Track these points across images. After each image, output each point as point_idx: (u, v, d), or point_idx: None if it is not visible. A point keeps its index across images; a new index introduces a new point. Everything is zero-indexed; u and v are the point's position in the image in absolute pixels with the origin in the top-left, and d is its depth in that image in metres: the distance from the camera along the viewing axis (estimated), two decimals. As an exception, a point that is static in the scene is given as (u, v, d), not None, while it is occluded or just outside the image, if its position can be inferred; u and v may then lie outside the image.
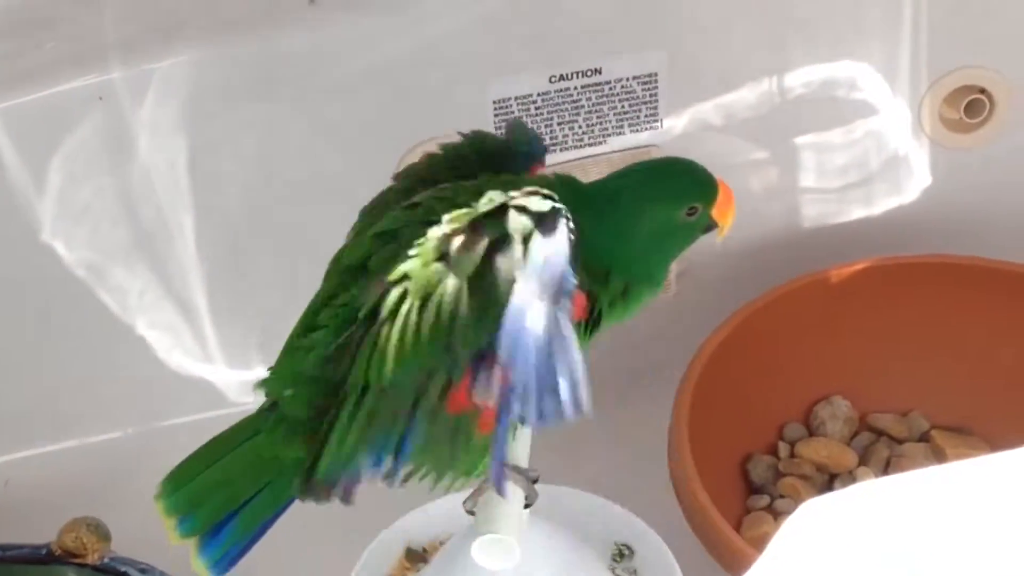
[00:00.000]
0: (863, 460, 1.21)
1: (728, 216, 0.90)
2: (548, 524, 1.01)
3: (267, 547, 1.17)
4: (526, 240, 0.80)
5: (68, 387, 1.26)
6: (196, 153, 1.19)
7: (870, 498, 0.68)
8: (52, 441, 1.26)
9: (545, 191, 0.83)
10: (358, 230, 0.94)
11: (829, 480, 1.20)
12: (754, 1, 1.23)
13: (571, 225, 0.82)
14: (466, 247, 0.81)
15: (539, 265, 0.79)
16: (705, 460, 1.09)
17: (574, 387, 0.77)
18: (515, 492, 0.92)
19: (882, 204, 1.32)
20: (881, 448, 1.21)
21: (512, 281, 0.79)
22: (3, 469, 1.25)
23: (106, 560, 1.13)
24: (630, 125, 1.23)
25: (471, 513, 0.94)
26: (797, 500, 1.15)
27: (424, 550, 1.08)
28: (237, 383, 1.28)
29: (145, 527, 1.20)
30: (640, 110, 1.23)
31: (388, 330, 0.82)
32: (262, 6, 1.19)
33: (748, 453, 1.21)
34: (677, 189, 0.90)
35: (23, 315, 1.23)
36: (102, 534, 1.14)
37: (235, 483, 0.92)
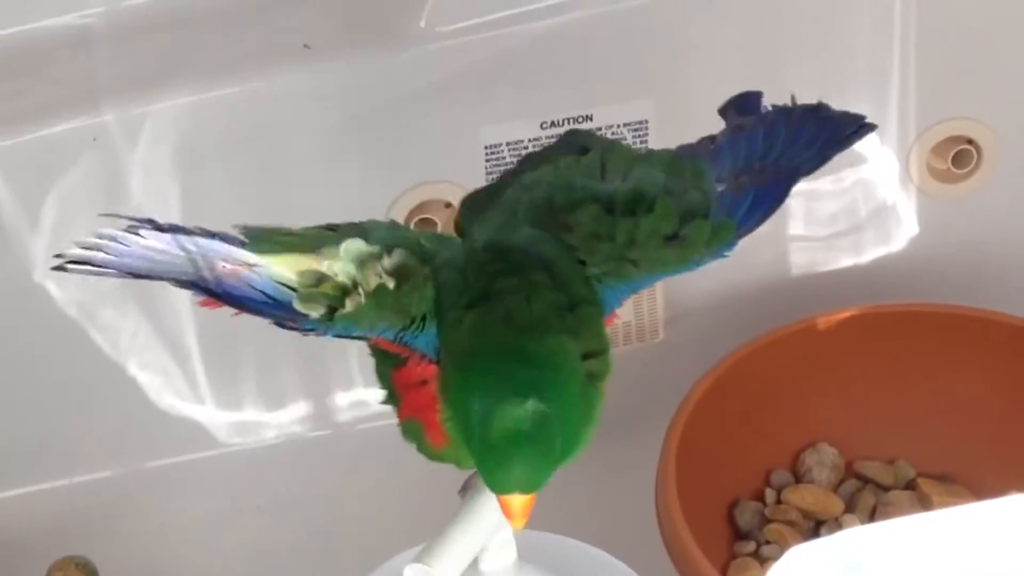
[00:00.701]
0: (849, 507, 1.21)
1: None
2: (535, 570, 1.01)
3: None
4: None
5: (58, 426, 1.26)
6: (189, 195, 1.19)
7: (856, 545, 0.69)
8: (41, 480, 1.26)
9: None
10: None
11: (815, 526, 1.20)
12: (741, 51, 1.24)
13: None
14: None
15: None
16: (692, 505, 1.09)
17: None
18: (481, 523, 0.92)
19: (870, 252, 1.33)
20: (867, 495, 1.21)
21: None
22: (-8, 508, 1.25)
23: (93, 600, 1.13)
24: (620, 171, 1.24)
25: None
26: (784, 546, 1.15)
27: None
28: (227, 424, 1.28)
29: (134, 566, 1.20)
30: (631, 157, 1.24)
31: None
32: (256, 50, 1.19)
33: (735, 499, 1.21)
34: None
35: (14, 353, 1.23)
36: (90, 573, 1.14)
37: None
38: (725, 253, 0.87)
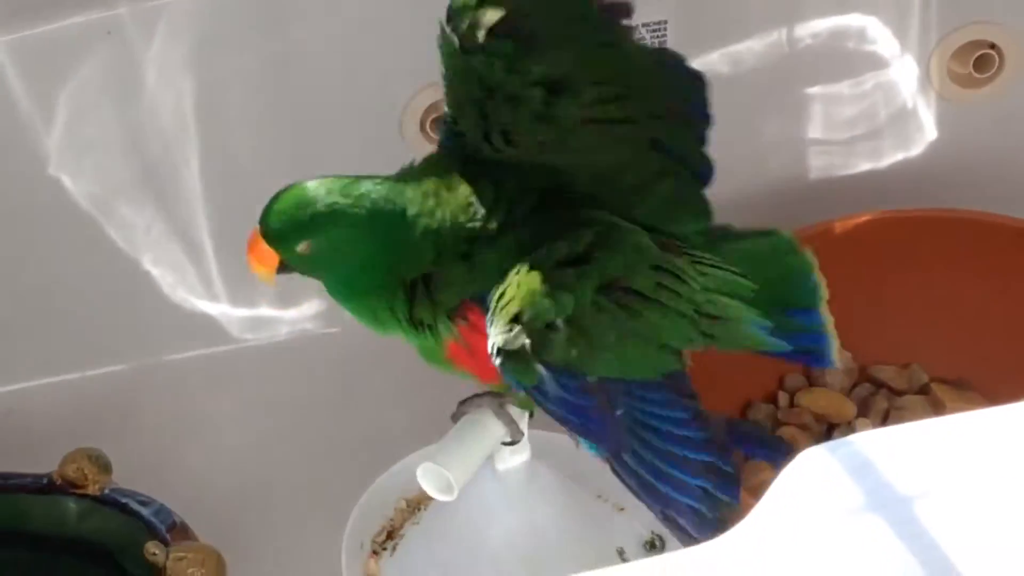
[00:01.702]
0: (862, 411, 1.21)
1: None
2: (547, 468, 1.02)
3: (260, 505, 1.19)
4: None
5: (72, 320, 1.26)
6: (203, 90, 1.19)
7: (868, 447, 0.69)
8: (55, 373, 1.26)
9: None
10: None
11: (828, 430, 1.21)
12: (765, -50, 1.23)
13: None
14: None
15: None
16: (705, 407, 1.09)
17: None
18: (486, 433, 0.93)
19: (889, 157, 1.32)
20: (880, 400, 1.22)
21: None
22: (6, 399, 1.25)
23: (106, 491, 1.14)
24: (638, 72, 1.23)
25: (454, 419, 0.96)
26: (795, 449, 1.15)
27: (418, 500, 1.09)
28: (240, 319, 1.28)
29: (145, 459, 1.21)
30: (649, 57, 1.23)
31: None
32: (273, -57, 1.19)
33: (748, 401, 1.21)
34: None
35: (27, 247, 1.23)
36: (103, 465, 1.15)
37: None
38: None
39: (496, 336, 0.83)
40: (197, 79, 1.19)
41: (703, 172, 0.93)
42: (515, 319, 0.83)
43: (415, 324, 0.88)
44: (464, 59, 0.88)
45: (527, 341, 0.83)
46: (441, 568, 1.04)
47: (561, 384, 0.84)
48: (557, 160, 0.88)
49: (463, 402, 0.95)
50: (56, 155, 1.19)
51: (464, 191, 0.87)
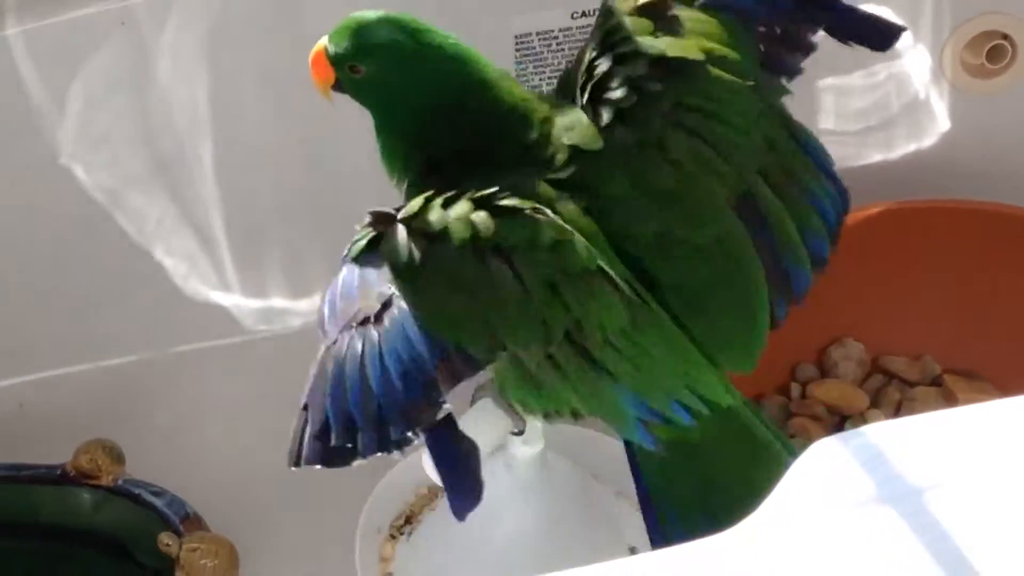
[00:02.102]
0: (874, 402, 1.21)
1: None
2: (559, 458, 1.02)
3: (273, 496, 1.19)
4: None
5: (85, 311, 1.26)
6: (217, 80, 1.19)
7: (880, 439, 0.69)
8: (68, 364, 1.26)
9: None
10: None
11: (840, 421, 1.21)
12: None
13: None
14: None
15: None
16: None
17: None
18: (496, 421, 0.93)
19: (901, 148, 1.32)
20: (892, 391, 1.22)
21: None
22: (19, 391, 1.26)
23: (120, 482, 1.14)
24: (651, 62, 1.23)
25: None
26: (808, 440, 1.15)
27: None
28: (253, 310, 1.28)
29: (159, 450, 1.21)
30: (661, 48, 1.23)
31: None
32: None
33: (760, 393, 1.21)
34: None
35: (40, 238, 1.23)
36: (116, 456, 1.15)
37: None
38: None
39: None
40: (211, 70, 1.19)
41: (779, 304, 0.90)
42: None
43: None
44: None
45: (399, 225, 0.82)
46: (452, 556, 1.04)
47: (367, 275, 0.83)
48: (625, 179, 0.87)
49: (480, 387, 0.95)
50: (69, 146, 1.19)
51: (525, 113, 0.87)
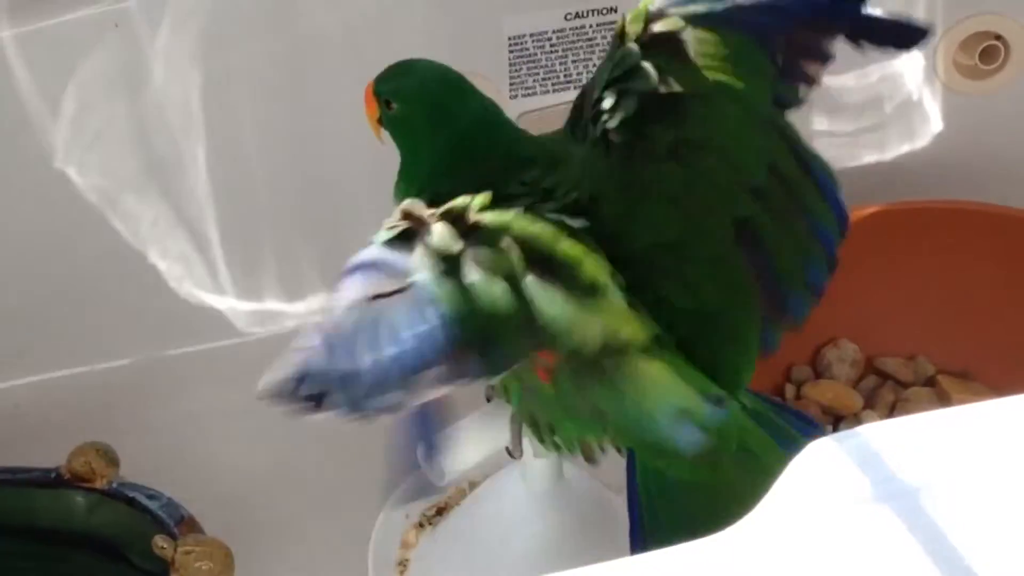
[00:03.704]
0: (869, 403, 1.21)
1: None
2: (585, 477, 1.02)
3: (268, 499, 1.19)
4: None
5: (79, 313, 1.26)
6: (210, 83, 1.19)
7: (875, 439, 0.69)
8: (62, 367, 1.26)
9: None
10: None
11: (835, 422, 1.21)
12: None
13: None
14: None
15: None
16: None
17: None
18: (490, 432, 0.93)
19: (894, 149, 1.32)
20: (887, 392, 1.22)
21: None
22: (14, 393, 1.26)
23: (114, 485, 1.14)
24: (644, 64, 1.23)
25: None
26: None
27: None
28: (247, 313, 1.28)
29: (153, 453, 1.21)
30: (655, 49, 1.23)
31: None
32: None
33: (755, 393, 1.21)
34: None
35: (35, 241, 1.23)
36: (111, 459, 1.15)
37: None
38: None
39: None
40: (205, 72, 1.19)
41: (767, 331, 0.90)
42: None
43: None
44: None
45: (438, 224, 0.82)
46: (470, 556, 1.04)
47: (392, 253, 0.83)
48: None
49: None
50: (63, 148, 1.19)
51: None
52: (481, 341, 0.80)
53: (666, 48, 0.88)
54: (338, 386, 0.81)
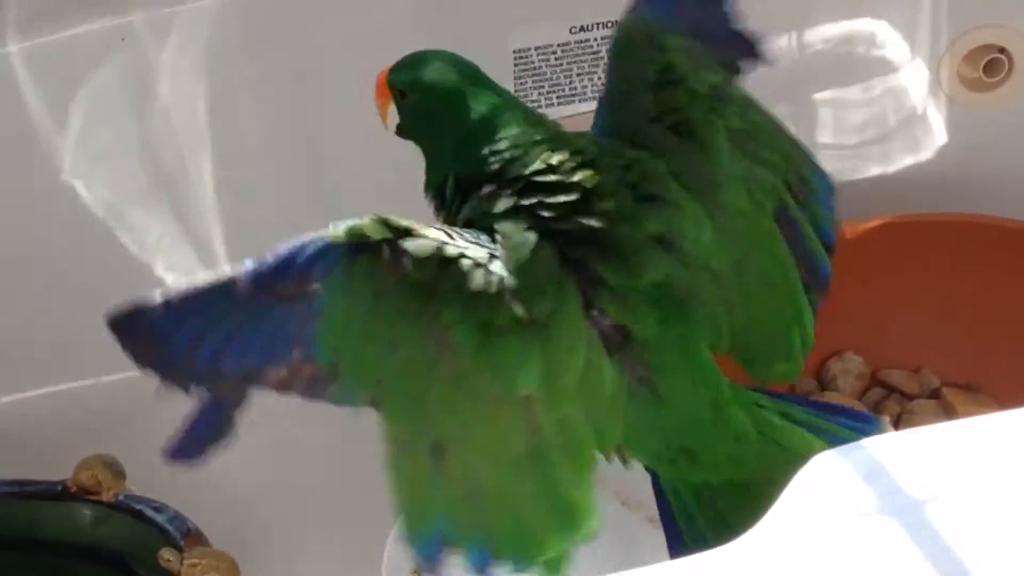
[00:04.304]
0: (873, 416, 1.22)
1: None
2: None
3: (274, 511, 1.18)
4: None
5: (85, 326, 1.26)
6: (217, 97, 1.19)
7: (880, 452, 0.69)
8: (69, 379, 1.27)
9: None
10: None
11: (839, 435, 1.21)
12: (776, -45, 1.23)
13: None
14: None
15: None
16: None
17: None
18: None
19: (899, 162, 1.32)
20: (892, 404, 1.22)
21: None
22: (20, 406, 1.26)
23: (121, 498, 1.14)
24: (649, 77, 1.23)
25: None
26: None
27: None
28: (253, 326, 1.28)
29: (160, 466, 1.21)
30: (659, 62, 1.23)
31: None
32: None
33: (759, 406, 1.21)
34: None
35: (42, 254, 1.24)
36: (117, 472, 1.15)
37: None
38: None
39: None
40: (211, 86, 1.19)
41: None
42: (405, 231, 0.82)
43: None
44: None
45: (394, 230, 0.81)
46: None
47: (325, 265, 0.82)
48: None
49: None
50: (70, 162, 1.20)
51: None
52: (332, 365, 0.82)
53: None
54: (161, 350, 0.84)
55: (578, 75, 1.22)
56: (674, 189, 0.86)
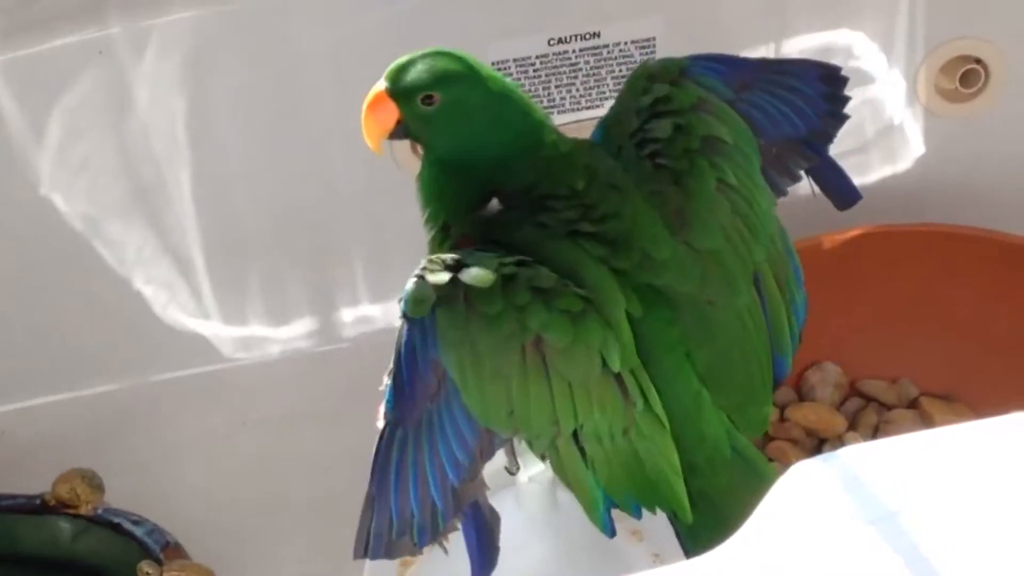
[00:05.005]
0: (852, 425, 1.22)
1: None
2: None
3: (253, 525, 1.18)
4: None
5: (64, 340, 1.26)
6: (195, 109, 1.19)
7: (858, 461, 0.69)
8: (48, 393, 1.26)
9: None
10: None
11: (818, 444, 1.21)
12: (751, -32, 1.24)
13: None
14: None
15: None
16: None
17: None
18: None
19: (876, 172, 1.32)
20: (870, 414, 1.22)
21: None
22: (-1, 419, 1.26)
23: (99, 511, 1.14)
24: (627, 89, 1.24)
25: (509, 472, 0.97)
26: (786, 463, 1.16)
27: None
28: (232, 339, 1.28)
29: (138, 479, 1.21)
30: (637, 74, 1.23)
31: None
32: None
33: (738, 417, 1.21)
34: None
35: (20, 267, 1.23)
36: (96, 485, 1.15)
37: None
38: None
39: (432, 262, 0.83)
40: (189, 98, 1.19)
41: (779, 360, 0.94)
42: (459, 263, 0.83)
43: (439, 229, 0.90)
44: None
45: (444, 281, 0.82)
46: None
47: (425, 339, 0.83)
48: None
49: None
50: (48, 175, 1.19)
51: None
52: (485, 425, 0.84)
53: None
54: (420, 517, 0.84)
55: (556, 87, 1.22)
56: (636, 199, 0.88)
